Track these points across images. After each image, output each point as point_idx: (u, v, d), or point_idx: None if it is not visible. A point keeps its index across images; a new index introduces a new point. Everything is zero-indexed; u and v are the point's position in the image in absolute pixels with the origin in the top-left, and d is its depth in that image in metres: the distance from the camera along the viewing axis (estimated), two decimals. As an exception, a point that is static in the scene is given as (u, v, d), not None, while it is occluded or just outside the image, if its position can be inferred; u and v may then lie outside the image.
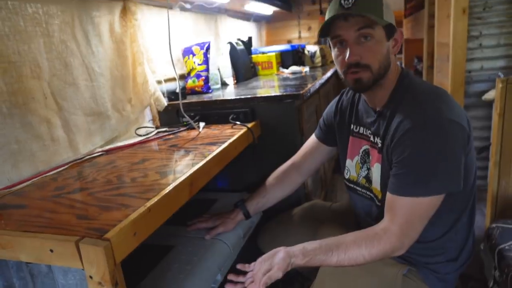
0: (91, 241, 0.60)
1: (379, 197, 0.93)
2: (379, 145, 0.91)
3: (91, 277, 0.60)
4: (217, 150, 1.07)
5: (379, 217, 0.89)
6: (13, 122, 0.94)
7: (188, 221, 1.18)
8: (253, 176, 1.43)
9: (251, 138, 1.33)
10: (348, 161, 1.06)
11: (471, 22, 1.94)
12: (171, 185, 0.81)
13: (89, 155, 1.15)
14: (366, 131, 0.98)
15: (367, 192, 0.99)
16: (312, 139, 1.20)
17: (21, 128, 0.96)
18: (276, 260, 0.86)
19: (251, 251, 1.23)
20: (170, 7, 1.73)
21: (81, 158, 1.12)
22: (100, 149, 1.21)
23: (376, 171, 0.93)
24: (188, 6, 1.86)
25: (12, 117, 0.94)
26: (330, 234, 0.96)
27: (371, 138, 0.95)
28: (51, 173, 1.01)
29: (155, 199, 0.75)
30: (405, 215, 0.81)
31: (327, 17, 0.86)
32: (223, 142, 1.14)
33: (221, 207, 1.32)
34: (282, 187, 1.20)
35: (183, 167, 0.95)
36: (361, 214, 1.06)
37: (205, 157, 1.01)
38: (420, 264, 0.93)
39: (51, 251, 0.63)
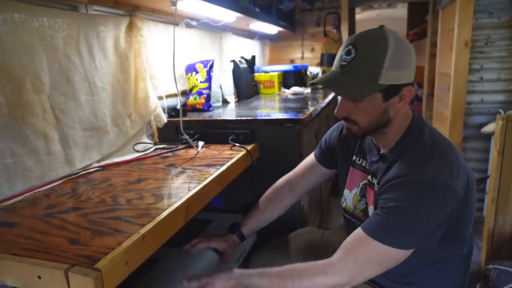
0: (81, 270, 0.58)
1: None
2: (376, 188, 0.90)
3: (78, 308, 0.58)
4: (215, 173, 1.06)
5: None
6: (10, 136, 0.93)
7: (180, 240, 1.15)
8: (249, 198, 1.41)
9: (249, 160, 1.32)
10: (346, 191, 1.05)
11: (473, 55, 1.97)
12: (166, 211, 0.80)
13: (85, 170, 1.14)
14: (367, 166, 0.98)
15: None
16: (311, 158, 1.18)
17: (17, 142, 0.95)
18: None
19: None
20: (176, 24, 1.74)
21: (76, 173, 1.10)
22: (97, 164, 1.19)
23: (371, 212, 0.92)
24: (194, 23, 1.87)
25: (9, 130, 0.92)
26: None
27: (369, 177, 0.95)
28: (44, 188, 0.99)
29: (150, 226, 0.73)
30: (362, 256, 0.79)
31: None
32: (222, 165, 1.13)
33: (217, 228, 1.30)
34: (276, 208, 1.19)
35: (180, 191, 0.93)
36: None
37: (203, 180, 0.99)
38: None
39: (39, 277, 0.61)
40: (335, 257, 0.82)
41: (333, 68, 0.87)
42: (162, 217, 0.77)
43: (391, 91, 0.82)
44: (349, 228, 1.05)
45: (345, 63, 0.82)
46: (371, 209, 0.93)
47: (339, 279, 0.79)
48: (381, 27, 0.82)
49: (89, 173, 1.12)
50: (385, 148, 0.91)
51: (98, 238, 0.69)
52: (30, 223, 0.78)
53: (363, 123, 0.86)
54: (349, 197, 1.04)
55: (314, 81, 0.89)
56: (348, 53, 0.82)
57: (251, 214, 1.20)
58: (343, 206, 1.06)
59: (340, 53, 0.85)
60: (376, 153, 0.93)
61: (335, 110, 0.89)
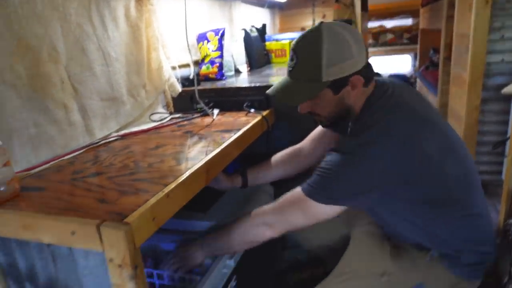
0: (112, 224, 0.61)
1: None
2: None
3: (111, 260, 0.61)
4: (232, 137, 1.07)
5: None
6: (31, 106, 0.95)
7: (198, 205, 1.16)
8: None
9: (265, 126, 1.32)
10: None
11: (494, 12, 1.88)
12: (188, 172, 0.81)
13: (105, 139, 1.16)
14: None
15: None
16: (319, 127, 1.24)
17: (39, 112, 0.97)
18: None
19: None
20: (185, -8, 1.71)
21: (97, 143, 1.13)
22: (116, 134, 1.21)
23: None
24: (203, -9, 1.83)
25: (30, 101, 0.94)
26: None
27: None
28: (67, 156, 1.02)
29: (173, 185, 0.75)
30: (289, 205, 0.90)
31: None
32: (238, 130, 1.14)
33: (232, 195, 1.32)
34: (287, 166, 1.24)
35: (199, 154, 0.95)
36: None
37: (221, 144, 1.00)
38: (442, 253, 0.93)
39: (73, 233, 0.63)
40: (267, 205, 0.94)
41: (286, 75, 0.94)
42: (184, 177, 0.79)
43: (338, 84, 0.87)
44: None
45: (291, 69, 0.90)
46: None
47: (264, 220, 0.92)
48: (319, 24, 0.86)
49: (109, 142, 1.15)
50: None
51: (125, 197, 0.71)
52: (58, 186, 0.81)
53: (324, 114, 0.95)
54: None
55: (268, 91, 0.97)
56: (292, 59, 0.89)
57: (261, 167, 1.25)
58: None
59: (288, 59, 0.92)
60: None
61: (298, 109, 0.96)
